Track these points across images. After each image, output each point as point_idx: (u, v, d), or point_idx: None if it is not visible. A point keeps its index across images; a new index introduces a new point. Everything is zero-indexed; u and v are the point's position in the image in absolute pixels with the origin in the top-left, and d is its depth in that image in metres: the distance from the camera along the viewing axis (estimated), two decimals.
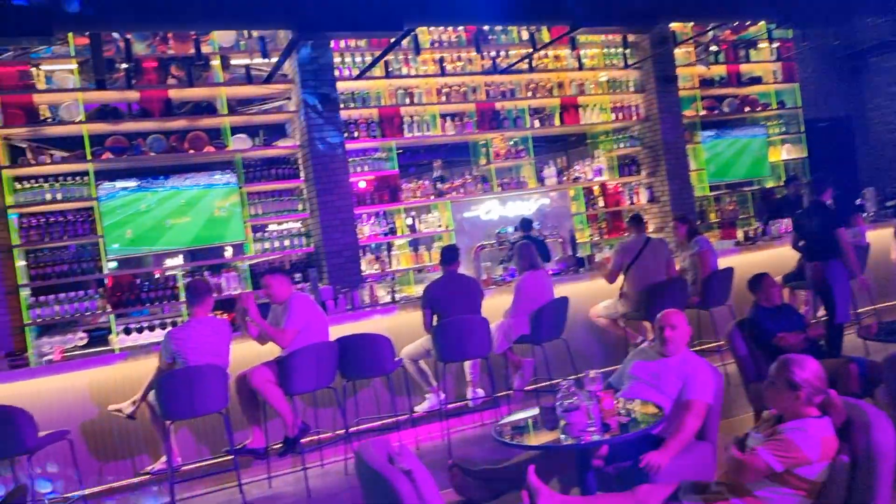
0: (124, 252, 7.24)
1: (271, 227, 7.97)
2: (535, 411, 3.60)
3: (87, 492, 4.92)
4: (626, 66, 9.27)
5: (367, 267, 8.09)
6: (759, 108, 10.33)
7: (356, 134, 8.07)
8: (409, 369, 5.85)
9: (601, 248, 9.11)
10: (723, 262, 7.00)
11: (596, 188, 9.47)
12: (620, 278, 6.57)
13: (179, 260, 9.55)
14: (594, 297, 6.84)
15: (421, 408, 6.02)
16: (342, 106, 7.87)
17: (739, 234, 9.14)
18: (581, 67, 9.04)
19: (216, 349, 4.89)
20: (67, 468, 4.98)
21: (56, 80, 6.98)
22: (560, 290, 6.33)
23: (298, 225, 8.23)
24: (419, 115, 8.47)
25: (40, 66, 6.95)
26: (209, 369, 4.69)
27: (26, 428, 4.25)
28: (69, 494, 4.95)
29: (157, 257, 8.60)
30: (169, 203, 7.36)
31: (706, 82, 10.12)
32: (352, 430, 5.48)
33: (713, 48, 9.74)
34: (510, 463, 3.59)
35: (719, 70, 10.14)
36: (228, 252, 8.07)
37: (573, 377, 6.18)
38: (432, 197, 8.52)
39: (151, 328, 7.15)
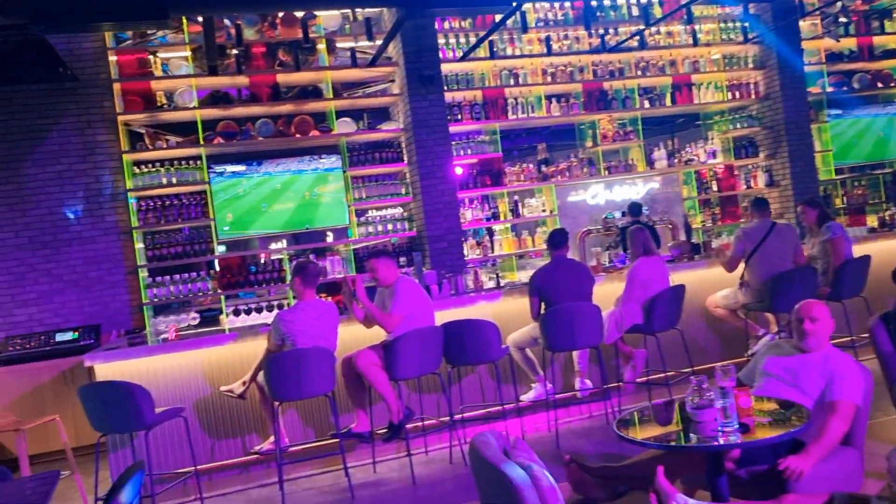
0: (232, 235, 7.40)
1: (374, 212, 7.95)
2: (654, 405, 3.36)
3: (200, 467, 5.02)
4: (746, 41, 8.69)
5: (469, 252, 7.96)
6: (893, 85, 9.48)
7: (459, 116, 7.93)
8: (515, 357, 5.67)
9: (714, 235, 8.62)
10: (856, 251, 6.43)
11: (709, 171, 8.96)
12: (741, 266, 6.14)
13: (283, 244, 9.73)
14: (711, 286, 6.43)
15: (526, 397, 5.84)
16: (446, 88, 7.74)
17: (871, 220, 8.43)
18: (696, 43, 8.54)
19: (324, 332, 4.87)
20: (182, 445, 5.10)
21: (171, 67, 7.17)
22: (674, 278, 5.98)
23: (400, 209, 8.18)
24: (524, 97, 8.24)
25: (157, 54, 7.17)
26: (317, 352, 4.68)
27: (144, 405, 4.35)
28: (183, 470, 5.07)
29: (262, 241, 8.78)
30: (275, 187, 7.47)
31: (834, 56, 9.39)
32: (456, 417, 5.36)
33: (842, 19, 9.00)
34: (632, 461, 3.36)
35: (849, 43, 9.36)
36: (330, 237, 8.13)
37: (688, 370, 5.89)
38: (536, 181, 8.29)
39: (259, 310, 7.29)
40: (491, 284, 6.60)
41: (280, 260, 7.61)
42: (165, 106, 7.22)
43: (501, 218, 8.18)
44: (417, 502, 4.55)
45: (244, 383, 5.00)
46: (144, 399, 4.36)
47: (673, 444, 3.07)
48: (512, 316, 5.82)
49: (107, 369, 5.04)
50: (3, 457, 6.35)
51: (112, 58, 7.03)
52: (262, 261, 7.67)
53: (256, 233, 7.59)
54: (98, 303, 7.02)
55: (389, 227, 7.79)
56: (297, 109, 7.61)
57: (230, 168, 7.33)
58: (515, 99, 8.21)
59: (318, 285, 5.23)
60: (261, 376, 4.92)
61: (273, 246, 9.77)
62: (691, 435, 2.97)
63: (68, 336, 6.70)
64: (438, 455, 5.40)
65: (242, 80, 7.37)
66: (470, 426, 5.57)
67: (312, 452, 5.32)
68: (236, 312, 7.20)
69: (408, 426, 5.09)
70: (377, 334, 5.24)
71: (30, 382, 6.47)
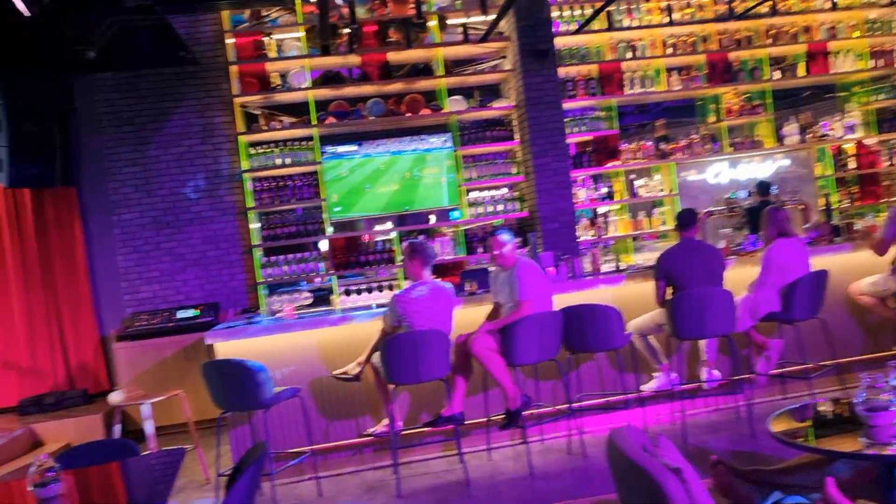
0: (344, 216, 7.40)
1: (485, 192, 7.76)
2: (811, 402, 3.01)
3: (315, 447, 5.02)
4: (893, 3, 7.89)
5: (582, 233, 7.66)
6: None
7: (573, 92, 7.61)
8: (637, 345, 5.36)
9: (850, 217, 7.91)
10: None
11: (847, 147, 8.23)
12: (893, 250, 5.55)
13: (388, 225, 9.70)
14: (853, 272, 5.86)
15: (648, 387, 5.51)
16: (559, 63, 7.42)
17: None
18: (834, 7, 7.84)
19: (440, 314, 4.73)
20: (297, 424, 5.12)
21: (285, 48, 7.21)
22: (813, 263, 5.46)
23: (505, 191, 7.93)
24: (642, 70, 7.81)
25: (272, 36, 7.21)
26: (434, 335, 4.55)
27: (263, 384, 4.36)
28: (299, 449, 5.09)
29: (368, 222, 8.75)
30: (385, 167, 7.41)
31: None
32: (574, 405, 5.12)
33: None
34: (788, 465, 3.03)
35: None
36: (432, 219, 8.01)
37: (829, 363, 5.40)
38: (654, 159, 7.86)
39: (369, 290, 7.30)
40: (610, 267, 6.28)
41: (389, 241, 7.56)
42: (279, 87, 7.27)
43: (616, 198, 7.82)
44: (536, 495, 4.36)
45: (359, 364, 4.94)
46: (263, 379, 4.37)
47: (845, 451, 2.72)
48: (634, 301, 5.49)
49: (226, 347, 5.10)
50: (130, 427, 6.63)
51: (229, 40, 7.14)
52: (370, 242, 7.64)
53: (361, 214, 7.57)
54: (216, 281, 7.20)
55: (500, 207, 7.59)
56: (407, 88, 7.51)
57: (341, 148, 7.32)
58: (633, 72, 7.79)
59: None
60: (375, 357, 4.85)
61: (378, 227, 9.75)
62: (861, 439, 2.63)
63: (189, 313, 6.90)
64: (555, 444, 5.19)
65: (354, 59, 7.33)
66: (588, 415, 5.32)
67: (424, 437, 5.22)
68: (347, 292, 7.23)
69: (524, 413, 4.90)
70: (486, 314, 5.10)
71: (154, 357, 6.72)
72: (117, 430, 5.16)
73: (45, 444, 6.32)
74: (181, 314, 6.93)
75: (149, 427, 5.05)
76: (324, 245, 7.89)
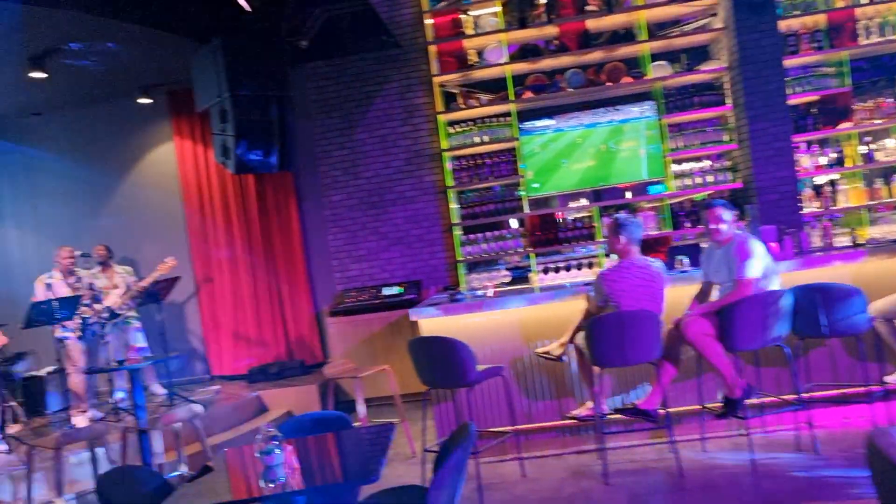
0: (540, 192, 7.25)
1: (692, 162, 7.22)
2: None
3: (518, 427, 4.96)
4: None
5: (805, 205, 6.88)
6: None
7: (796, 48, 6.82)
8: (880, 330, 4.68)
9: None
10: None
11: None
12: None
13: (584, 201, 9.39)
14: None
15: (892, 379, 4.82)
16: (780, 15, 6.68)
17: None
18: None
19: (650, 293, 4.44)
20: (500, 403, 5.09)
21: (481, 24, 7.16)
22: None
23: (708, 162, 7.30)
24: (881, 17, 6.82)
25: (469, 13, 7.19)
26: (643, 315, 4.27)
27: (468, 362, 4.35)
28: (501, 429, 5.05)
29: (562, 198, 8.51)
30: (581, 140, 7.14)
31: None
32: (804, 396, 4.59)
33: None
34: None
35: None
36: (628, 195, 7.58)
37: None
38: (894, 118, 6.86)
39: (567, 268, 7.11)
40: (842, 242, 5.57)
41: (588, 217, 7.30)
42: (476, 64, 7.24)
43: (848, 164, 6.93)
44: (762, 495, 3.95)
45: (562, 345, 4.78)
46: (468, 357, 4.36)
47: None
48: (876, 280, 4.80)
49: (430, 324, 5.18)
50: (342, 398, 7.03)
51: (428, 21, 7.22)
52: (570, 218, 7.42)
53: (557, 191, 7.35)
54: (419, 259, 7.39)
55: (709, 178, 7.03)
56: (607, 56, 7.16)
57: (539, 123, 7.16)
58: (869, 20, 6.83)
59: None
60: (579, 338, 4.66)
61: (572, 204, 9.44)
62: None
63: (394, 290, 7.15)
64: (779, 438, 4.70)
65: (551, 30, 7.11)
66: (818, 407, 4.75)
67: (634, 422, 4.95)
68: (545, 270, 7.09)
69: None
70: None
71: (362, 332, 7.05)
72: (331, 402, 5.45)
73: (270, 409, 6.87)
74: (386, 291, 7.20)
75: (359, 400, 5.27)
76: (514, 223, 7.81)
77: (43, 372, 7.07)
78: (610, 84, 7.03)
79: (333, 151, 7.51)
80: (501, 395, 5.02)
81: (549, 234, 7.20)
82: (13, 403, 6.67)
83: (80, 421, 6.15)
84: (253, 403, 6.81)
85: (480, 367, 4.58)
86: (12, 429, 6.15)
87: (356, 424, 4.36)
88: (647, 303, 4.40)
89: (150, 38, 6.27)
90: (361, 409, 5.30)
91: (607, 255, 6.94)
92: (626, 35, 7.08)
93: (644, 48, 7.04)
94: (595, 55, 7.15)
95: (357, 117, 7.44)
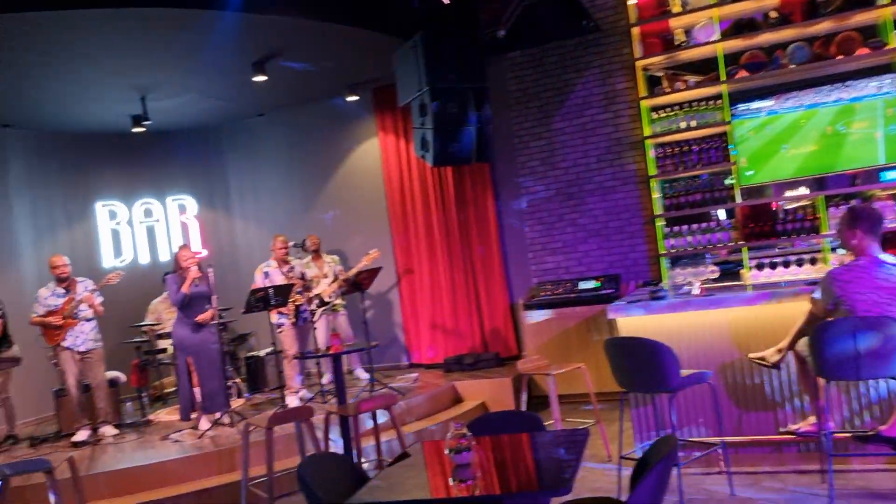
0: (756, 181, 6.60)
1: None
2: None
3: (726, 439, 4.53)
4: None
5: None
6: None
7: None
8: None
9: None
10: None
11: None
12: None
13: (803, 190, 8.41)
14: None
15: None
16: None
17: None
18: None
19: (893, 297, 3.82)
20: (705, 412, 4.69)
21: (691, 0, 6.65)
22: None
23: None
24: None
25: None
26: (884, 322, 3.69)
27: (671, 367, 4.04)
28: (707, 439, 4.66)
29: (777, 187, 7.67)
30: (801, 122, 6.38)
31: None
32: None
33: None
34: None
35: None
36: (858, 181, 6.63)
37: None
38: None
39: (785, 264, 6.41)
40: None
41: (809, 207, 6.52)
42: (684, 44, 6.75)
43: None
44: None
45: (780, 350, 4.29)
46: (671, 360, 4.05)
47: None
48: None
49: (628, 323, 4.90)
50: (535, 392, 6.92)
51: (630, 1, 6.84)
52: (788, 208, 6.68)
53: (774, 179, 6.63)
54: (617, 252, 7.08)
55: None
56: (838, 26, 6.32)
57: (753, 105, 6.51)
58: None
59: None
60: (801, 344, 4.15)
61: (789, 193, 8.47)
62: None
63: (591, 284, 6.91)
64: None
65: (770, 0, 6.42)
66: None
67: (862, 447, 4.33)
68: (759, 266, 6.45)
69: None
70: None
71: (557, 326, 6.89)
72: (524, 397, 5.36)
73: (464, 400, 6.95)
74: (583, 285, 6.97)
75: (553, 399, 5.13)
76: (722, 213, 7.18)
77: (262, 353, 7.72)
78: (841, 57, 6.21)
79: (531, 142, 7.40)
80: (707, 402, 4.62)
81: (765, 227, 6.54)
82: (237, 380, 7.35)
83: (292, 400, 6.62)
84: (448, 393, 6.92)
85: (685, 372, 4.25)
86: (236, 403, 6.77)
87: (548, 424, 4.22)
88: (888, 307, 3.80)
89: (357, 38, 6.56)
90: (555, 409, 5.15)
91: (833, 251, 6.17)
92: (862, 0, 6.21)
93: (885, 13, 6.12)
94: (823, 25, 6.34)
95: (555, 106, 7.26)
